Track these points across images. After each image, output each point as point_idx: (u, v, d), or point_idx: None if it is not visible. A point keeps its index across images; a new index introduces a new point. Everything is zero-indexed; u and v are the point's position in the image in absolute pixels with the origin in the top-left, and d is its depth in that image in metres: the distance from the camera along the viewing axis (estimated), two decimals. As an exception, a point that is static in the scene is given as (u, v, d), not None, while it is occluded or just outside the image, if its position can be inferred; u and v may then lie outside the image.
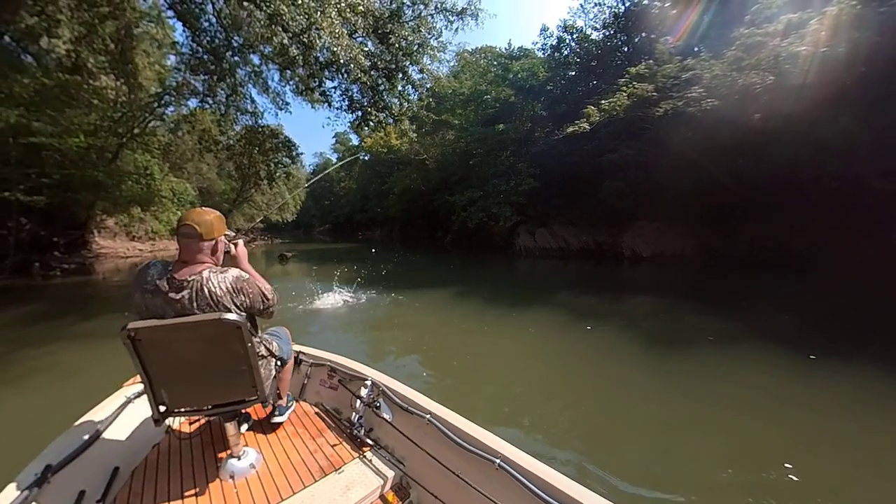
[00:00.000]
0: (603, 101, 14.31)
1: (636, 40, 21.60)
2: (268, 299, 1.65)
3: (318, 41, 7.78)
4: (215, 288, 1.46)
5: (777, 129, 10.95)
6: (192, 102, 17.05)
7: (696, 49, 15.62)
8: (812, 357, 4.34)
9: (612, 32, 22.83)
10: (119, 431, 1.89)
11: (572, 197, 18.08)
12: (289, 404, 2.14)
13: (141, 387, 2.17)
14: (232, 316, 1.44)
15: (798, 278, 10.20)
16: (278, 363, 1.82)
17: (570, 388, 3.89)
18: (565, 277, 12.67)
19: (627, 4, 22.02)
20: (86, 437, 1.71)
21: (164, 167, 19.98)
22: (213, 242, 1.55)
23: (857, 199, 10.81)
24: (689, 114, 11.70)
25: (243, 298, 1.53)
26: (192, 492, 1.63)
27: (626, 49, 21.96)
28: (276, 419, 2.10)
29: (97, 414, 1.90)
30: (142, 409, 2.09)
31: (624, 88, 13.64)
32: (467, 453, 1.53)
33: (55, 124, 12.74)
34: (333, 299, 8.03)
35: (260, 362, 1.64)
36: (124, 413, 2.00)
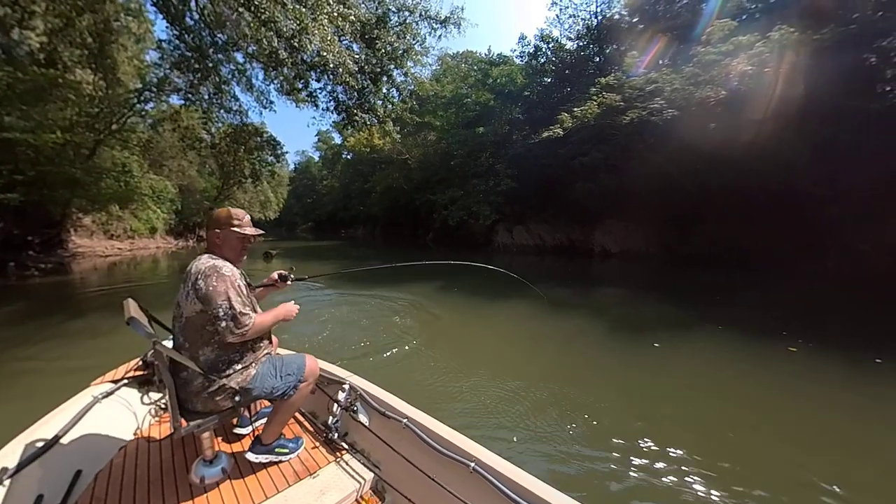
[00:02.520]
0: (575, 109, 14.98)
1: (607, 51, 22.51)
2: (227, 318, 1.40)
3: (309, 46, 7.88)
4: (193, 269, 1.48)
5: (729, 138, 11.84)
6: (174, 99, 16.59)
7: (660, 62, 16.54)
8: (750, 338, 4.96)
9: (585, 43, 23.68)
10: (83, 433, 1.74)
11: (547, 197, 18.76)
12: (279, 447, 1.73)
13: (109, 387, 2.08)
14: (132, 313, 1.41)
15: (746, 273, 11.10)
16: (237, 398, 1.54)
17: (541, 367, 4.30)
18: (541, 272, 13.24)
19: (600, 18, 22.86)
20: (46, 438, 1.58)
21: (144, 164, 19.27)
22: (214, 234, 1.61)
23: (796, 203, 11.83)
24: (653, 122, 12.47)
25: (202, 286, 1.42)
26: (160, 496, 1.53)
27: (597, 59, 22.82)
28: (238, 430, 1.96)
29: (60, 414, 1.77)
30: (109, 410, 1.96)
31: (594, 97, 14.32)
32: (442, 457, 1.51)
33: (27, 119, 12.16)
34: (319, 295, 8.14)
35: (200, 380, 1.46)
36: (90, 414, 1.84)
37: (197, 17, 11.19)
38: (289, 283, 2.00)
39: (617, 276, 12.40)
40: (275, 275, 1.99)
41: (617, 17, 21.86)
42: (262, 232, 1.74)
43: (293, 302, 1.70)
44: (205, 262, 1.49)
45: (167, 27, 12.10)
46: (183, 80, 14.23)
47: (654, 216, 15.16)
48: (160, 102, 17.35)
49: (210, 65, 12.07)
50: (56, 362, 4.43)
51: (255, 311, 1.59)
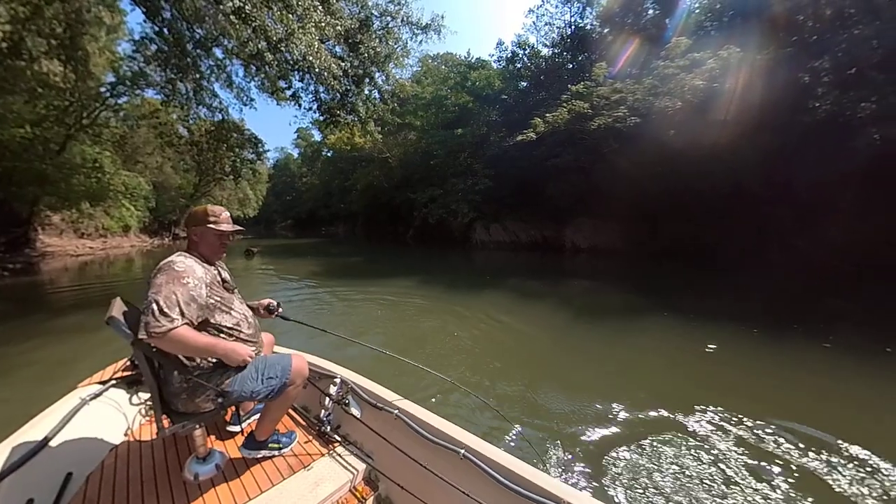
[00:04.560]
0: (547, 114, 15.68)
1: (580, 58, 23.42)
2: (147, 313, 1.25)
3: (295, 50, 8.02)
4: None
5: (686, 144, 12.80)
6: (151, 93, 16.03)
7: (629, 70, 17.48)
8: (692, 319, 5.64)
9: (559, 51, 24.51)
10: (73, 435, 1.71)
11: (522, 196, 19.50)
12: (272, 442, 1.74)
13: (97, 388, 2.04)
14: (114, 312, 1.36)
15: (700, 265, 12.04)
16: (219, 399, 1.49)
17: (510, 348, 4.79)
18: (515, 266, 13.87)
19: (573, 28, 23.72)
20: (35, 442, 1.54)
21: (117, 160, 18.52)
22: (192, 231, 1.58)
23: (745, 204, 12.88)
24: (617, 129, 13.32)
25: (151, 280, 1.35)
26: (153, 495, 1.51)
27: (570, 66, 23.69)
28: (230, 427, 1.95)
29: (48, 417, 1.72)
30: (98, 412, 1.92)
31: (564, 104, 15.06)
32: (433, 445, 1.54)
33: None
34: (304, 291, 8.32)
35: (179, 380, 1.43)
36: (79, 416, 1.80)
37: (175, 12, 10.90)
38: (273, 316, 1.99)
39: (585, 270, 13.18)
40: (265, 301, 1.97)
41: (589, 27, 22.80)
42: (239, 229, 1.69)
43: (254, 350, 1.59)
44: (169, 258, 1.44)
45: (144, 21, 11.72)
46: (159, 75, 13.77)
47: (620, 214, 16.09)
48: (134, 97, 16.73)
49: (189, 61, 11.79)
50: (38, 364, 4.27)
51: (216, 315, 1.50)
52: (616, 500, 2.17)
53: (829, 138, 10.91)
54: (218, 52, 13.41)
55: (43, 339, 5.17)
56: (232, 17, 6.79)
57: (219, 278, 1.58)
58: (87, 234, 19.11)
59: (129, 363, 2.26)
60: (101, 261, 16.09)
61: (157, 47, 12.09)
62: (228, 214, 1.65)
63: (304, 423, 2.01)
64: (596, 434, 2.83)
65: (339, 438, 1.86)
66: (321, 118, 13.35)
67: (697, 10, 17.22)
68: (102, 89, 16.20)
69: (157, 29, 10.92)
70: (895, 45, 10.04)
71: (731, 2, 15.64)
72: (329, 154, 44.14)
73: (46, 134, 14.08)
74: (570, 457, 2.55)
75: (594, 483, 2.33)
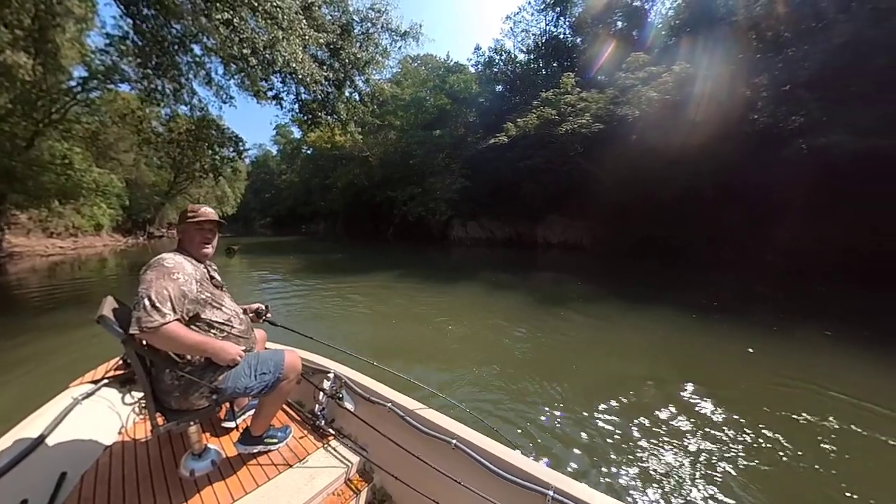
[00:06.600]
0: (518, 119, 16.39)
1: (553, 65, 24.30)
2: (139, 308, 1.24)
3: (279, 58, 8.19)
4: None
5: (647, 148, 13.74)
6: (125, 87, 15.50)
7: (599, 78, 18.42)
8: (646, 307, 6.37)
9: (534, 57, 25.32)
10: (66, 435, 1.69)
11: (497, 195, 20.23)
12: (268, 437, 1.75)
13: (89, 387, 2.02)
14: (105, 311, 1.33)
15: (669, 263, 12.78)
16: (213, 396, 1.48)
17: (480, 334, 5.33)
18: (490, 262, 14.52)
19: (547, 36, 24.57)
20: (28, 442, 1.52)
21: (89, 157, 17.82)
22: (178, 230, 1.61)
23: (705, 206, 13.75)
24: (583, 134, 14.14)
25: (140, 276, 1.33)
26: (150, 493, 1.50)
27: (544, 72, 24.55)
28: (225, 423, 1.95)
29: (41, 417, 1.70)
30: (92, 411, 1.91)
31: (534, 111, 15.79)
32: (426, 436, 1.57)
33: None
34: (289, 289, 8.56)
35: (170, 377, 1.41)
36: (72, 415, 1.79)
37: (155, 10, 10.68)
38: (262, 320, 1.99)
39: (554, 264, 13.97)
40: (253, 305, 1.98)
41: (562, 36, 23.72)
42: (213, 216, 1.62)
43: (244, 349, 1.57)
44: (158, 255, 1.43)
45: (121, 16, 11.38)
46: (134, 71, 13.36)
47: (589, 212, 17.01)
48: (107, 92, 16.16)
49: (168, 59, 11.58)
50: (22, 366, 4.13)
51: (207, 310, 1.49)
52: (602, 483, 2.26)
53: (767, 148, 12.04)
54: (196, 49, 13.17)
55: (25, 339, 5.00)
56: (221, 27, 6.93)
57: (208, 275, 1.58)
58: (56, 233, 18.31)
59: (121, 362, 2.25)
60: (73, 261, 15.51)
61: (134, 43, 11.79)
62: (210, 210, 1.64)
63: (298, 417, 2.03)
64: (584, 421, 2.88)
65: (333, 432, 1.89)
66: (303, 117, 13.46)
67: (660, 25, 18.37)
68: (73, 83, 15.59)
69: (133, 24, 10.69)
70: (819, 67, 11.25)
71: (687, 19, 16.80)
72: (309, 152, 43.47)
73: (13, 129, 13.49)
74: (558, 444, 2.63)
75: (581, 467, 2.41)
